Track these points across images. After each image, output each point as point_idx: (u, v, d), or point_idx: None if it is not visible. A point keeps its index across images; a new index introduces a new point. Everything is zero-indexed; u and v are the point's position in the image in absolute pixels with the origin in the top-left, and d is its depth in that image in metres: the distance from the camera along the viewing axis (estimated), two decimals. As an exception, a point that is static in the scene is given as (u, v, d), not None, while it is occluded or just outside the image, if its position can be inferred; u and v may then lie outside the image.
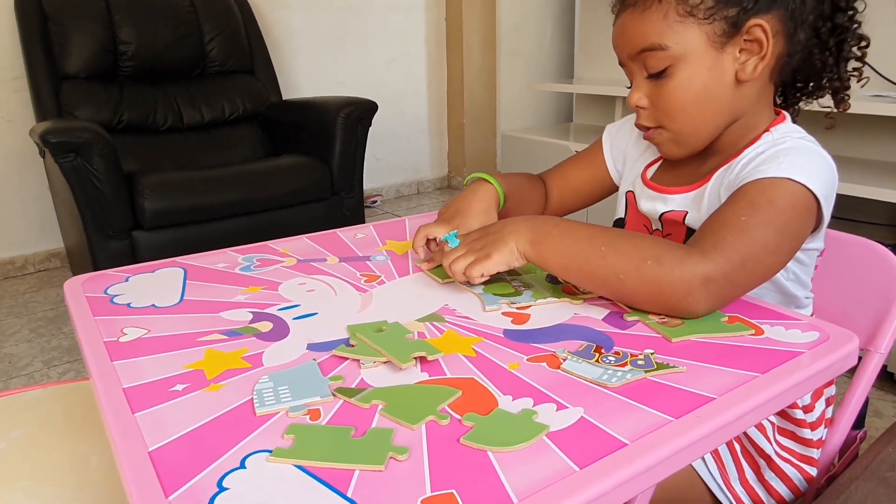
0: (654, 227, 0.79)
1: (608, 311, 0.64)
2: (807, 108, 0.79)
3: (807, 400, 0.71)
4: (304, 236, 0.89)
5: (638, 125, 0.74)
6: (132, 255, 1.97)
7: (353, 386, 0.51)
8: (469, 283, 0.68)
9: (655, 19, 0.66)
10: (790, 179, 0.62)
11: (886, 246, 0.77)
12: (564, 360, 0.54)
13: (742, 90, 0.68)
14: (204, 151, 2.45)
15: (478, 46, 3.45)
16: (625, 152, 0.86)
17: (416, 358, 0.54)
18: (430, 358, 0.54)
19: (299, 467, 0.41)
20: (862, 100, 1.56)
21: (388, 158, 3.50)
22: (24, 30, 2.21)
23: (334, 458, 0.42)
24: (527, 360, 0.55)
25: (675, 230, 0.75)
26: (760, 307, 0.64)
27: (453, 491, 0.39)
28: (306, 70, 3.11)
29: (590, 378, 0.51)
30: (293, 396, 0.49)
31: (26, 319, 2.12)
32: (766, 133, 0.70)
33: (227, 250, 0.84)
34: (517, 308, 0.65)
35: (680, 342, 0.57)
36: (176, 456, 0.42)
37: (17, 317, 2.15)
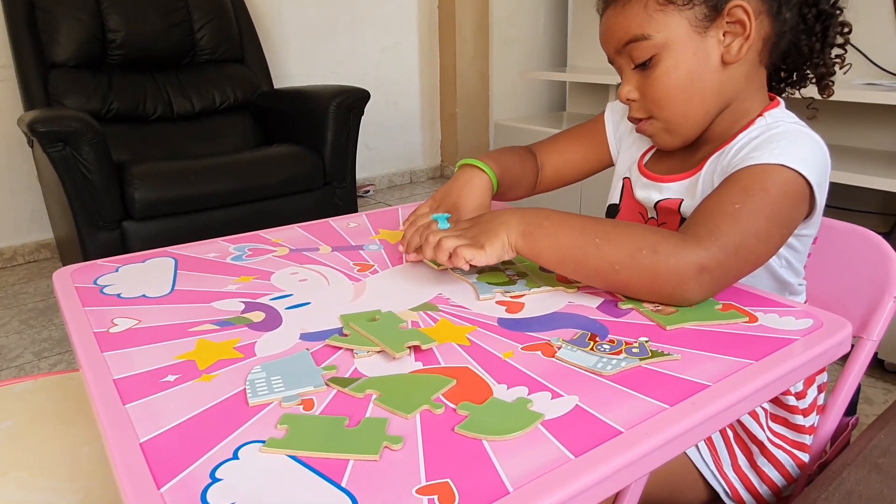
0: (649, 216, 0.79)
1: (602, 300, 0.64)
2: (790, 98, 0.79)
3: (799, 387, 0.71)
4: (296, 225, 0.89)
5: (631, 118, 0.74)
6: (122, 246, 1.95)
7: (346, 375, 0.51)
8: (455, 269, 0.67)
9: (636, 11, 0.67)
10: (783, 166, 0.62)
11: (879, 234, 0.77)
12: (559, 348, 0.54)
13: (729, 73, 0.68)
14: (194, 141, 2.42)
15: (470, 35, 3.43)
16: (625, 132, 0.86)
17: (409, 347, 0.54)
18: (423, 347, 0.54)
19: (293, 458, 0.41)
20: (854, 88, 1.56)
21: (381, 148, 3.49)
22: (11, 17, 2.18)
23: (328, 449, 0.41)
24: (521, 348, 0.54)
25: (670, 219, 0.75)
26: (754, 295, 0.64)
27: (448, 480, 0.38)
28: (298, 58, 3.09)
29: (584, 366, 0.51)
30: (286, 386, 0.48)
31: (16, 311, 2.11)
32: (760, 118, 0.70)
33: (219, 240, 0.83)
34: (511, 297, 0.65)
35: (674, 330, 0.57)
36: (168, 447, 0.42)
37: (6, 308, 2.13)
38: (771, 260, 0.67)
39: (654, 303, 0.61)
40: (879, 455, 0.58)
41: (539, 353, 0.54)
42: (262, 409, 0.46)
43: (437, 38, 3.53)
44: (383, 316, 0.60)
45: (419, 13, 3.44)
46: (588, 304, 0.63)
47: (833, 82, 0.73)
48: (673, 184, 0.74)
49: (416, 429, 0.44)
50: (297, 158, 2.24)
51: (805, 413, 0.71)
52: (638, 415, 0.44)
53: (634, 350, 0.53)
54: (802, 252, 0.72)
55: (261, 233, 0.86)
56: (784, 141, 0.64)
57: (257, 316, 0.61)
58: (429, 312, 0.62)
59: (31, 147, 2.18)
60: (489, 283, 0.68)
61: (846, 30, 0.70)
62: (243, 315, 0.62)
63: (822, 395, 0.76)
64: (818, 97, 0.75)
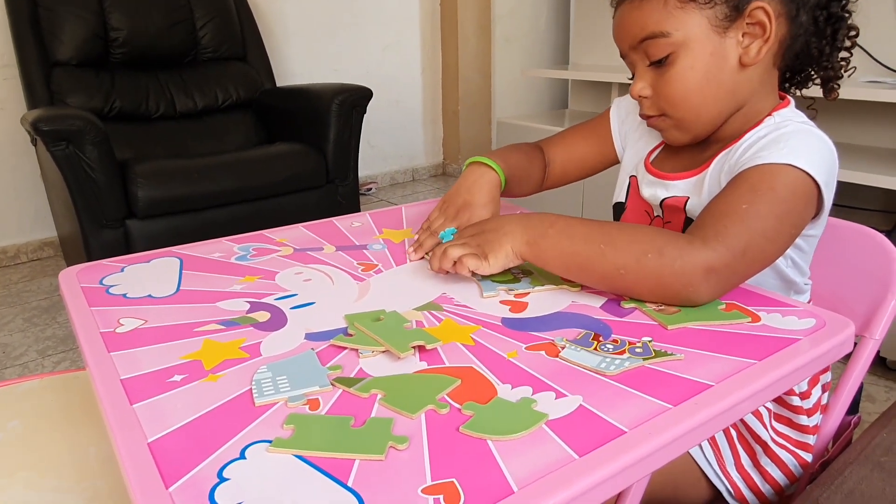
0: (654, 214, 0.79)
1: (605, 299, 0.64)
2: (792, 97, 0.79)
3: (804, 387, 0.71)
4: (300, 225, 0.89)
5: (642, 115, 0.74)
6: (126, 244, 1.96)
7: (351, 375, 0.51)
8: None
9: (655, 7, 0.66)
10: (791, 165, 0.62)
11: (882, 232, 0.77)
12: (563, 348, 0.54)
13: (746, 74, 0.67)
14: (197, 139, 2.43)
15: (473, 33, 3.43)
16: (630, 129, 0.86)
17: (414, 347, 0.54)
18: (428, 347, 0.54)
19: (299, 457, 0.41)
20: (858, 86, 1.56)
21: (383, 146, 3.49)
22: (14, 16, 2.18)
23: (334, 448, 0.42)
24: (525, 348, 0.55)
25: (675, 217, 0.75)
26: (757, 294, 0.64)
27: (454, 480, 0.39)
28: (300, 57, 3.09)
29: (588, 366, 0.51)
30: (292, 386, 0.49)
31: (20, 309, 2.11)
32: (769, 117, 0.70)
33: (223, 239, 0.84)
34: (515, 295, 0.65)
35: (677, 330, 0.57)
36: (175, 447, 0.42)
37: (10, 306, 2.14)
38: (777, 260, 0.67)
39: (659, 303, 0.62)
40: (882, 453, 0.59)
41: (543, 352, 0.54)
42: (268, 408, 0.46)
43: (440, 35, 3.52)
44: (388, 316, 0.60)
45: (421, 11, 3.44)
46: (591, 304, 0.63)
47: (839, 85, 0.73)
48: (679, 181, 0.74)
49: (421, 429, 0.44)
50: (299, 156, 2.24)
51: (809, 413, 0.71)
52: (641, 414, 0.45)
53: (638, 350, 0.54)
54: (808, 252, 0.72)
55: (265, 232, 0.86)
56: (792, 140, 0.64)
57: (262, 316, 0.62)
58: (433, 312, 0.62)
59: (35, 146, 2.19)
60: (494, 281, 0.68)
61: (853, 33, 0.70)
62: (249, 315, 0.62)
63: (826, 394, 0.76)
64: (818, 97, 0.75)
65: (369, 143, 3.35)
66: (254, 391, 0.48)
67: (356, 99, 2.29)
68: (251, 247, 0.81)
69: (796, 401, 0.70)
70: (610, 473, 0.40)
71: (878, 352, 0.75)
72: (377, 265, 0.75)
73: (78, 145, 1.82)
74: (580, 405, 0.46)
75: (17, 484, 0.64)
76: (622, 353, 0.53)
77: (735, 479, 0.70)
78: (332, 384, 0.49)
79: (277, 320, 0.61)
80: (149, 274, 0.73)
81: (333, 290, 0.68)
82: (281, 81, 2.79)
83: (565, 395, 0.47)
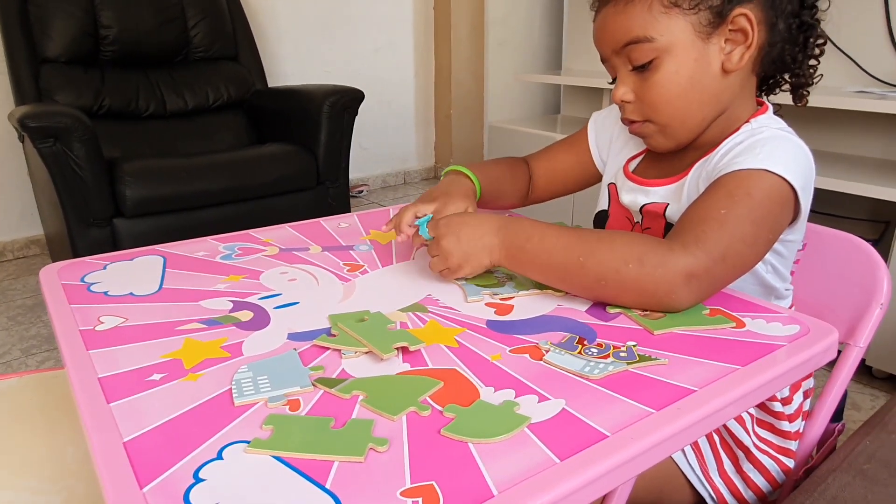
0: (635, 220, 0.79)
1: (591, 304, 0.64)
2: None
3: (785, 392, 0.71)
4: (286, 225, 0.88)
5: (624, 120, 0.74)
6: (113, 243, 1.94)
7: (333, 376, 0.50)
8: None
9: (639, 12, 0.66)
10: (766, 171, 0.62)
11: (869, 241, 0.77)
12: (547, 351, 0.54)
13: (728, 81, 0.68)
14: (187, 139, 2.41)
15: (465, 36, 3.43)
16: (609, 142, 0.86)
17: (397, 348, 0.54)
18: (411, 348, 0.54)
19: (277, 458, 0.41)
20: (845, 95, 1.57)
21: (375, 148, 3.48)
22: (3, 11, 2.16)
23: (313, 450, 0.41)
24: (509, 351, 0.54)
25: (655, 223, 0.76)
26: (742, 300, 0.64)
27: (433, 483, 0.38)
28: (292, 57, 3.08)
29: (572, 370, 0.51)
30: (273, 386, 0.48)
31: (4, 307, 2.09)
32: (746, 124, 0.70)
33: (208, 238, 0.83)
34: (500, 299, 0.65)
35: (662, 335, 0.57)
36: (151, 447, 0.41)
37: (-6, 304, 2.11)
38: (757, 265, 0.67)
39: (644, 310, 0.61)
40: (864, 461, 0.59)
41: (527, 356, 0.54)
42: (247, 409, 0.46)
43: (433, 38, 3.53)
44: (372, 317, 0.60)
45: (414, 13, 3.44)
46: (577, 308, 0.63)
47: (808, 92, 0.74)
48: (659, 188, 0.75)
49: (402, 431, 0.43)
50: (290, 158, 2.23)
51: (791, 419, 0.72)
52: (624, 419, 0.45)
53: (622, 354, 0.54)
54: (788, 257, 0.72)
55: (251, 232, 0.85)
56: (768, 146, 0.64)
57: (245, 315, 0.61)
58: (417, 313, 0.62)
59: (22, 142, 2.16)
60: (478, 285, 0.68)
61: (822, 41, 0.71)
62: (231, 314, 0.61)
63: (808, 400, 0.76)
64: (785, 103, 0.76)
65: (361, 145, 3.34)
66: (234, 391, 0.48)
67: (348, 101, 2.28)
68: (236, 246, 0.80)
69: (778, 406, 0.71)
70: (591, 478, 0.40)
71: (864, 360, 0.75)
72: (363, 266, 0.74)
73: (65, 142, 1.80)
74: (563, 409, 0.46)
75: (-8, 483, 0.63)
76: (606, 357, 0.53)
77: (718, 484, 0.70)
78: (314, 385, 0.49)
79: (260, 320, 0.60)
80: (131, 272, 0.72)
81: (318, 291, 0.67)
82: (272, 82, 2.78)
83: (548, 399, 0.47)
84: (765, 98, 0.77)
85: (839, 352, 0.66)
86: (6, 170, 2.46)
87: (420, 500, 0.37)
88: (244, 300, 0.65)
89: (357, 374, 0.51)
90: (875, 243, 0.77)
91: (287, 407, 0.46)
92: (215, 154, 2.19)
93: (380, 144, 3.50)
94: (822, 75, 0.73)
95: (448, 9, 3.38)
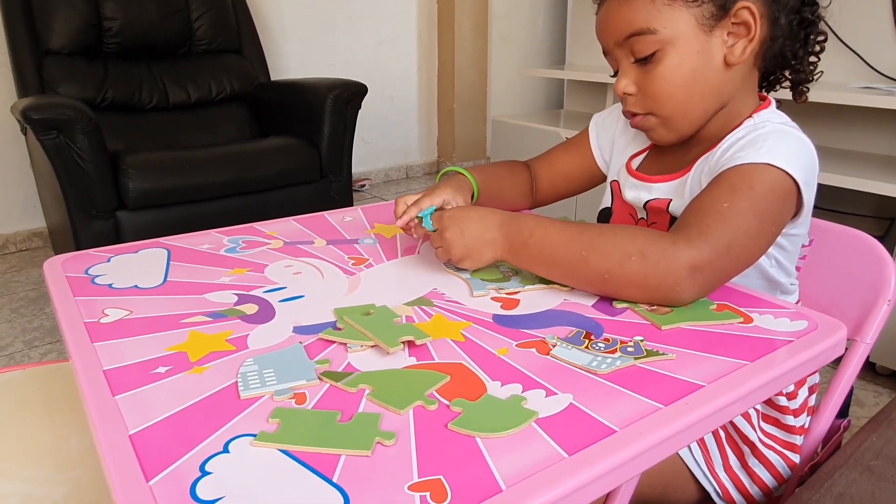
0: (639, 216, 0.79)
1: (597, 298, 0.63)
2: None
3: (790, 387, 0.71)
4: (291, 218, 0.88)
5: (625, 112, 0.73)
6: (116, 236, 1.94)
7: (339, 370, 0.50)
8: (447, 265, 0.71)
9: (643, 4, 0.66)
10: (769, 165, 0.62)
11: (874, 237, 0.77)
12: (554, 346, 0.54)
13: (730, 74, 0.68)
14: (190, 131, 2.41)
15: (469, 31, 3.42)
16: (612, 142, 0.86)
17: (403, 342, 0.53)
18: (417, 342, 0.54)
19: (284, 452, 0.40)
20: (851, 91, 1.56)
21: (378, 142, 3.48)
22: (6, 3, 2.16)
23: (320, 443, 0.41)
24: (516, 345, 0.54)
25: (660, 218, 0.75)
26: (749, 295, 0.64)
27: (441, 477, 0.38)
28: (295, 51, 3.07)
29: (579, 364, 0.51)
30: (278, 380, 0.48)
31: (7, 299, 2.09)
32: (748, 119, 0.70)
33: (212, 231, 0.83)
34: (506, 294, 0.65)
35: (669, 330, 0.57)
36: (157, 439, 0.41)
37: (-3, 296, 2.12)
38: (761, 260, 0.67)
39: (648, 304, 0.61)
40: (871, 458, 0.58)
41: (534, 350, 0.53)
42: (253, 402, 0.46)
43: (436, 32, 3.51)
44: (377, 310, 0.60)
45: (418, 7, 3.43)
46: (583, 302, 0.63)
47: (808, 88, 0.74)
48: (662, 184, 0.75)
49: (408, 425, 0.43)
50: (293, 151, 2.23)
51: (796, 413, 0.71)
52: (632, 414, 0.44)
53: (629, 349, 0.53)
54: (792, 252, 0.72)
55: (255, 225, 0.85)
56: (770, 140, 0.64)
57: (250, 308, 0.61)
58: (423, 307, 0.61)
59: (25, 134, 2.16)
60: (483, 280, 0.67)
61: (822, 38, 0.71)
62: (236, 307, 0.61)
63: (813, 396, 0.76)
64: (786, 99, 0.76)
65: (364, 139, 3.33)
66: (239, 384, 0.47)
67: (351, 94, 2.28)
68: (241, 239, 0.80)
69: (783, 401, 0.70)
70: (599, 473, 0.39)
71: (868, 357, 0.75)
72: (368, 259, 0.74)
73: (68, 135, 1.79)
74: (570, 404, 0.46)
75: (-4, 475, 0.63)
76: (613, 351, 0.53)
77: (723, 479, 0.70)
78: (320, 378, 0.49)
79: (265, 313, 0.60)
80: (135, 264, 0.72)
81: (323, 284, 0.67)
82: (276, 75, 2.77)
83: (555, 394, 0.47)
84: (768, 94, 0.77)
85: (846, 348, 0.66)
86: (9, 162, 2.45)
87: (428, 494, 0.37)
88: (249, 293, 0.64)
89: (363, 367, 0.51)
90: (880, 240, 0.76)
91: (293, 400, 0.46)
92: (218, 147, 2.18)
93: (383, 138, 3.49)
94: (822, 72, 0.73)
95: (452, 3, 3.37)
